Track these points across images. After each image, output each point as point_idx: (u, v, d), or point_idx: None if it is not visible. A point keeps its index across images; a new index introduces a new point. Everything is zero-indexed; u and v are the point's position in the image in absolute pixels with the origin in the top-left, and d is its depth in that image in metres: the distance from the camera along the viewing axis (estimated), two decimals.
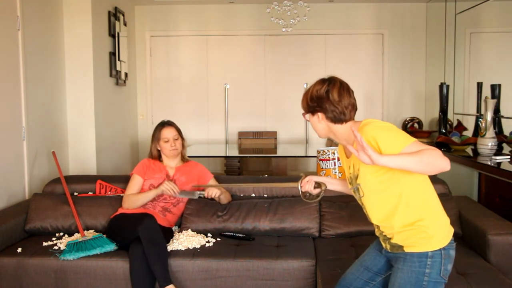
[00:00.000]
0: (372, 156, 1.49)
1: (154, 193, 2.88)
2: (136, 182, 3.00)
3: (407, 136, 1.66)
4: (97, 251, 2.65)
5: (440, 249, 1.69)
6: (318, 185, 2.04)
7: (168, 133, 3.01)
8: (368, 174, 1.73)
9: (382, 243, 1.85)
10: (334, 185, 2.06)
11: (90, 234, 2.88)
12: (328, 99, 1.76)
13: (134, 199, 2.90)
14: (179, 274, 2.59)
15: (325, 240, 2.88)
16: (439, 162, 1.52)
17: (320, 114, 1.80)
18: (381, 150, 1.62)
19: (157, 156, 3.08)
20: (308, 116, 1.87)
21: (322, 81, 1.80)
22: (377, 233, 1.87)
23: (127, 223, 2.73)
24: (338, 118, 1.78)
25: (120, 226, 2.80)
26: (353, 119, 1.83)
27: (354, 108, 1.81)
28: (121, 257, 2.63)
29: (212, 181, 3.13)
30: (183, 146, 3.10)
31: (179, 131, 3.08)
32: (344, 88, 1.78)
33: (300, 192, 2.06)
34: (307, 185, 2.03)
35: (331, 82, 1.78)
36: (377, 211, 1.78)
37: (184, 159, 3.14)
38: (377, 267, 1.90)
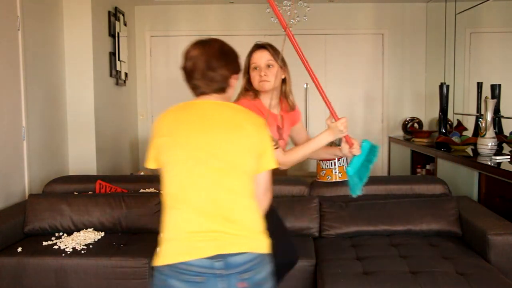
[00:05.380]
0: None
1: (326, 140, 2.07)
2: None
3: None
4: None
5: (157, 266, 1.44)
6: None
7: (258, 57, 2.15)
8: None
9: None
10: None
11: None
12: None
13: (296, 152, 2.11)
14: None
15: (325, 240, 2.88)
16: None
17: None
18: None
19: (255, 95, 2.17)
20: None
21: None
22: None
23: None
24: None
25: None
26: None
27: None
28: (122, 256, 2.63)
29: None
30: (284, 81, 2.21)
31: (278, 56, 2.13)
32: None
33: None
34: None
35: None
36: None
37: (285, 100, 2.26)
38: None
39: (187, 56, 1.62)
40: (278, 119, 2.21)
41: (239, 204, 1.45)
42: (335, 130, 2.00)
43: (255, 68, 2.14)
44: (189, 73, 1.59)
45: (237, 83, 1.71)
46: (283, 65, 2.18)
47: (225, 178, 1.44)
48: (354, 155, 2.06)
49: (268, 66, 2.12)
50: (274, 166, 1.57)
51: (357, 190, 2.10)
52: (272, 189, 1.67)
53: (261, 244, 1.46)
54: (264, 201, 1.60)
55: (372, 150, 2.11)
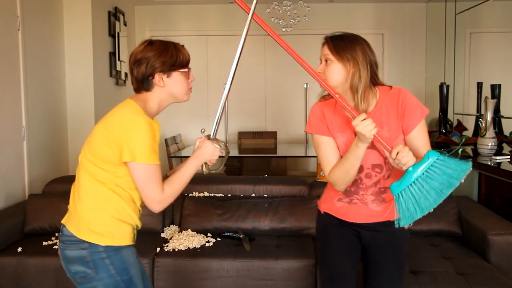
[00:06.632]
0: None
1: (356, 148, 1.65)
2: (327, 145, 1.80)
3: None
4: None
5: None
6: None
7: (321, 54, 1.90)
8: None
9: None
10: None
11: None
12: None
13: (336, 169, 1.76)
14: (179, 274, 2.59)
15: None
16: None
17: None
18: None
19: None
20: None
21: None
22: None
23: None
24: None
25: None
26: None
27: None
28: None
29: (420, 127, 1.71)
30: (358, 75, 1.72)
31: (340, 49, 1.80)
32: None
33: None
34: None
35: None
36: None
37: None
38: None
39: None
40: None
41: (80, 191, 1.67)
42: (358, 133, 1.58)
43: None
44: None
45: (169, 81, 1.76)
46: (351, 58, 1.74)
47: (81, 169, 1.67)
48: (405, 169, 1.55)
49: (326, 61, 1.81)
50: (127, 159, 1.54)
51: (405, 218, 1.52)
52: (155, 191, 1.57)
53: (79, 228, 1.64)
54: (145, 195, 1.59)
55: (449, 166, 1.48)
